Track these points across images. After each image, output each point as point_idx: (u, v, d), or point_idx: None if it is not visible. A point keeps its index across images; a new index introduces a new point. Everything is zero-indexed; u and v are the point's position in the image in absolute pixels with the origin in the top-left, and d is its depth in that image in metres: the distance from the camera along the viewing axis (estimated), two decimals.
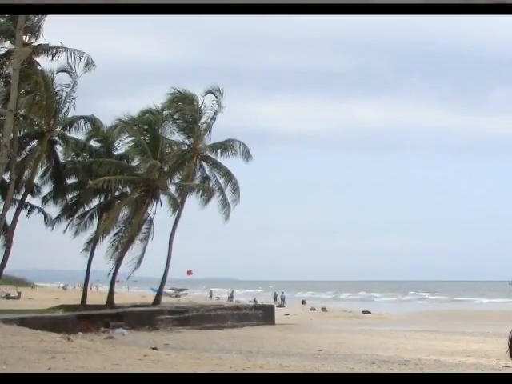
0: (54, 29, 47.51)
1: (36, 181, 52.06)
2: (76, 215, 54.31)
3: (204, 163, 56.39)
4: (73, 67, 47.70)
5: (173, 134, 55.81)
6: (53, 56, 46.69)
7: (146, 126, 55.12)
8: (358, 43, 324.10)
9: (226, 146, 56.12)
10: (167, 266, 54.95)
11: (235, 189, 55.87)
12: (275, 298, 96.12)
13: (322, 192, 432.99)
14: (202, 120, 55.68)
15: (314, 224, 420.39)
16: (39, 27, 45.75)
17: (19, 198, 49.76)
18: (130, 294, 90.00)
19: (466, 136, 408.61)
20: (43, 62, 47.39)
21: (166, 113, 55.35)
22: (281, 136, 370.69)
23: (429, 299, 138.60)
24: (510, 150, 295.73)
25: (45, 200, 53.41)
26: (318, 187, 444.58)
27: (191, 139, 55.52)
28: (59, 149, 51.97)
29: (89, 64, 47.05)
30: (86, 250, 54.10)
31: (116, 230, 53.58)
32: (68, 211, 54.04)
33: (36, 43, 46.23)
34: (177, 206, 54.17)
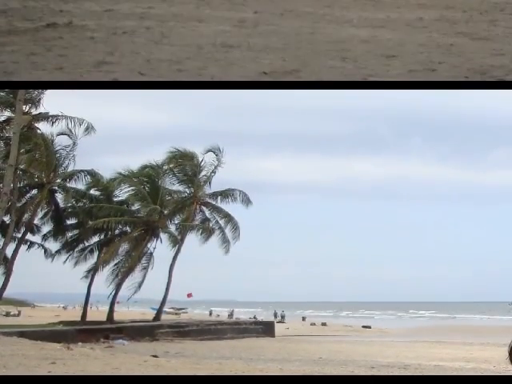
0: (55, 100, 47.75)
1: (36, 221, 51.65)
2: (76, 249, 53.72)
3: (204, 207, 56.09)
4: (73, 131, 48.30)
5: (172, 185, 55.51)
6: (53, 123, 47.32)
7: (145, 179, 54.77)
8: (358, 113, 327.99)
9: (226, 193, 55.94)
10: (167, 289, 54.83)
11: (235, 228, 55.60)
12: (275, 315, 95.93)
13: (321, 233, 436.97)
14: (202, 173, 55.43)
15: (313, 256, 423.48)
16: (39, 99, 46.25)
17: (19, 235, 49.50)
18: (129, 313, 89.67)
19: (465, 187, 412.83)
20: (43, 127, 48.01)
21: (165, 167, 55.04)
22: (281, 186, 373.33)
23: (429, 316, 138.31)
24: (510, 200, 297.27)
25: (45, 238, 52.96)
26: (317, 229, 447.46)
27: (191, 188, 55.20)
28: (59, 196, 51.65)
29: (89, 129, 47.78)
30: (86, 277, 53.82)
31: (116, 261, 53.27)
32: (68, 246, 53.49)
33: (36, 112, 46.70)
34: (176, 242, 53.96)
